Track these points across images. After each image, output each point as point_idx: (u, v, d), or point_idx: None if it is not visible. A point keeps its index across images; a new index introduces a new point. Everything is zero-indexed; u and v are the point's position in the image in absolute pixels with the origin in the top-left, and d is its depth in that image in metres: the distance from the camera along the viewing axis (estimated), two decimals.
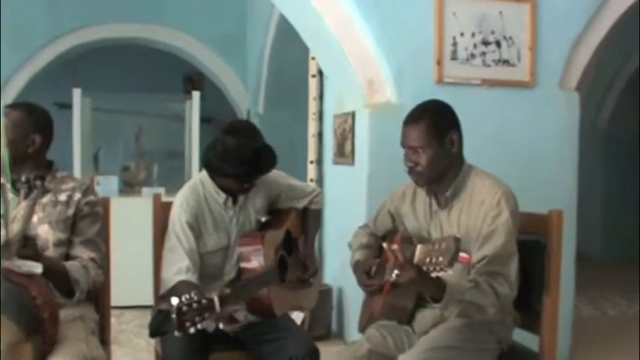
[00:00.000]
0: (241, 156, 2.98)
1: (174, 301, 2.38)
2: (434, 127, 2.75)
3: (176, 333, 2.38)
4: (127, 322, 5.78)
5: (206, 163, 3.13)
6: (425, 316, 2.84)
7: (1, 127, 2.37)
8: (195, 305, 2.40)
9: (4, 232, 2.37)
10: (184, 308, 2.38)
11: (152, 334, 3.04)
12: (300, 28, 5.15)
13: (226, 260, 3.18)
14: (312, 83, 5.93)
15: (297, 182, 3.47)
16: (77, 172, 6.59)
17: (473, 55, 4.59)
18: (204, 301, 2.44)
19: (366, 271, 2.87)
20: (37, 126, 2.90)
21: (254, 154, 3.01)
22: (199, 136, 6.91)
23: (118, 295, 3.41)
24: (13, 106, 2.92)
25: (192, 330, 2.39)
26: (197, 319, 2.40)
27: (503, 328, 2.82)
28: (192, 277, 2.97)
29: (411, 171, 2.81)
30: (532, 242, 2.92)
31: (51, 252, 2.78)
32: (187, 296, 2.41)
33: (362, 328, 3.04)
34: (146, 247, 3.49)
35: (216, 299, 2.49)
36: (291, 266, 3.26)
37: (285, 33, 6.68)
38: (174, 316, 2.36)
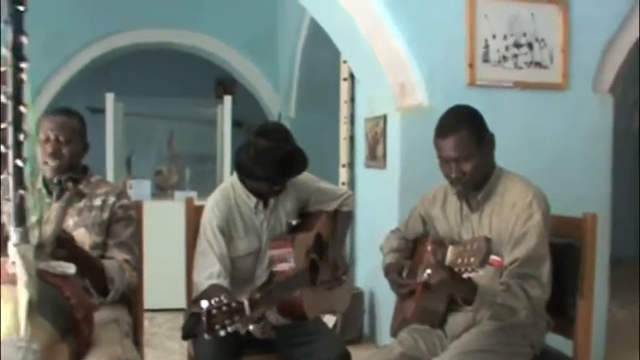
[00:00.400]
0: (273, 158, 2.98)
1: (204, 304, 2.39)
2: (474, 134, 2.73)
3: (206, 336, 2.39)
4: (159, 325, 5.81)
5: (238, 166, 3.13)
6: (457, 319, 2.83)
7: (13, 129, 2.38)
8: (224, 308, 2.41)
9: (38, 234, 2.39)
10: (214, 311, 2.39)
11: (185, 337, 3.06)
12: (331, 32, 5.16)
13: (257, 264, 3.19)
14: (344, 86, 5.93)
15: (328, 185, 3.46)
16: (110, 176, 6.66)
17: (505, 58, 4.56)
18: (233, 304, 2.45)
19: (398, 273, 2.86)
20: (85, 132, 3.02)
21: (286, 157, 3.01)
22: (231, 140, 6.95)
23: (150, 298, 3.43)
24: (67, 113, 2.99)
25: (222, 333, 2.40)
26: (227, 322, 2.40)
27: (536, 331, 2.80)
28: (223, 282, 2.98)
29: (457, 181, 2.78)
30: (566, 245, 2.90)
31: None
32: (217, 299, 2.41)
33: (394, 332, 3.04)
34: (178, 250, 3.50)
35: (246, 302, 2.49)
36: (322, 269, 3.26)
37: (316, 36, 6.68)
38: (203, 318, 2.37)
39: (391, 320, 3.15)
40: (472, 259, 2.38)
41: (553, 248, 2.74)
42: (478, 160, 2.73)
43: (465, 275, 2.43)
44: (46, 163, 2.87)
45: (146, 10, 8.58)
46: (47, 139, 2.87)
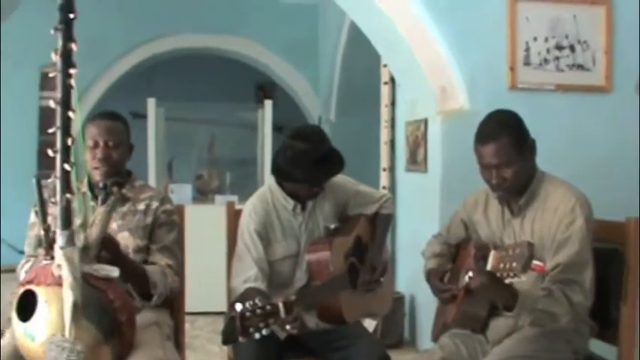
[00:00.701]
0: (310, 160, 2.99)
1: (238, 307, 2.39)
2: (515, 141, 2.71)
3: (240, 339, 2.40)
4: (200, 328, 5.85)
5: (275, 169, 3.14)
6: (499, 325, 2.81)
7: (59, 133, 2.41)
8: (258, 311, 2.41)
9: (83, 237, 2.42)
10: (248, 314, 2.39)
11: (225, 342, 3.06)
12: (370, 35, 5.15)
13: (297, 267, 3.19)
14: (384, 90, 5.92)
15: (366, 188, 3.44)
16: (152, 180, 6.72)
17: (546, 60, 4.52)
18: (268, 306, 2.44)
19: (440, 278, 2.85)
20: (130, 135, 3.06)
21: (323, 158, 3.02)
22: (272, 144, 6.97)
23: (191, 302, 3.45)
24: (113, 117, 3.02)
25: (256, 335, 2.40)
26: (261, 324, 2.40)
27: (579, 337, 2.77)
28: (260, 285, 2.98)
29: (497, 187, 2.77)
30: (610, 250, 2.87)
31: None
32: (251, 302, 2.42)
33: (435, 337, 3.02)
34: (219, 254, 3.52)
35: (280, 305, 2.49)
36: (363, 272, 3.25)
37: (357, 40, 6.68)
38: (237, 322, 2.38)
39: (432, 325, 3.13)
40: (514, 265, 2.36)
41: (596, 253, 2.71)
42: (519, 166, 2.71)
43: (507, 280, 2.41)
44: (96, 168, 2.89)
45: (186, 16, 8.66)
46: (96, 145, 2.89)
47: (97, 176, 2.90)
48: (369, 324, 4.90)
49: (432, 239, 3.23)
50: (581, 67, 4.58)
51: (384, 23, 4.67)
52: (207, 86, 10.21)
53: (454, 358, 2.78)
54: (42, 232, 2.44)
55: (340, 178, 3.27)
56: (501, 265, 2.41)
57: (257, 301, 2.43)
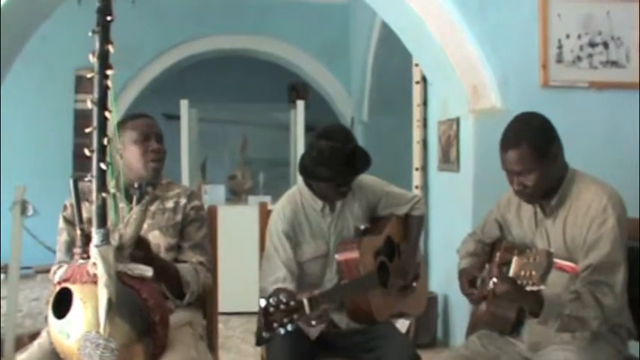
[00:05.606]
0: (335, 158, 2.99)
1: (262, 302, 2.41)
2: (536, 149, 2.63)
3: (264, 334, 2.41)
4: (233, 328, 5.88)
5: (302, 169, 3.14)
6: (536, 326, 2.77)
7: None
8: (282, 307, 2.43)
9: (117, 237, 2.45)
10: (272, 309, 2.41)
11: (258, 343, 3.07)
12: (402, 35, 5.15)
13: (326, 268, 3.19)
14: (416, 90, 5.90)
15: (396, 189, 3.43)
16: (185, 181, 6.77)
17: (579, 58, 4.48)
18: (292, 302, 2.46)
19: (470, 280, 2.83)
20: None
21: (348, 156, 3.02)
22: (304, 145, 6.98)
23: (225, 302, 3.47)
24: (151, 117, 3.05)
25: (281, 331, 2.42)
26: (285, 320, 2.42)
27: (617, 340, 2.73)
28: (289, 286, 2.98)
29: (520, 193, 2.73)
30: None
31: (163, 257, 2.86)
32: (275, 298, 2.43)
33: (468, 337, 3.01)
34: (252, 254, 3.53)
35: (305, 301, 2.50)
36: (393, 272, 3.25)
37: (388, 40, 6.68)
38: (261, 317, 2.40)
39: (467, 325, 3.12)
40: (534, 273, 2.34)
41: (632, 253, 2.68)
42: (540, 172, 2.64)
43: (527, 288, 2.38)
44: (153, 161, 2.91)
45: (218, 17, 8.72)
46: (147, 138, 2.91)
47: (150, 171, 2.91)
48: (402, 324, 4.89)
49: (467, 237, 3.21)
50: (615, 63, 4.54)
51: (414, 22, 4.67)
52: (239, 87, 10.26)
53: (477, 358, 2.76)
54: (78, 232, 2.47)
55: (370, 179, 3.28)
56: (522, 273, 2.39)
57: (281, 297, 2.45)
